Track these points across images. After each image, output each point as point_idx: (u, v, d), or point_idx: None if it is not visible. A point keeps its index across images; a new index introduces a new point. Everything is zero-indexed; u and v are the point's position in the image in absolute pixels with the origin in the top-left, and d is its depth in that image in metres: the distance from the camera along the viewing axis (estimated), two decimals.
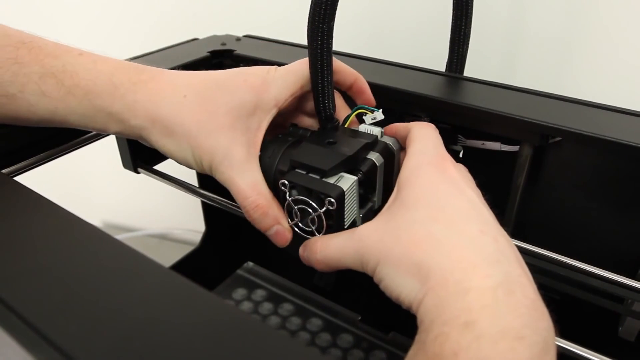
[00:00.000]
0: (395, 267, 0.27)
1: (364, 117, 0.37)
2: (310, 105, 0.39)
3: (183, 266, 0.66)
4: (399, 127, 0.35)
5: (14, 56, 0.33)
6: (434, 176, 0.29)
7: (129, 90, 0.34)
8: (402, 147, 0.36)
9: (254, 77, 0.36)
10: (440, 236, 0.27)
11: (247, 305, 0.67)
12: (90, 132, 0.45)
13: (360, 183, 0.33)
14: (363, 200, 0.34)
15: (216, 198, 0.43)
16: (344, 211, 0.31)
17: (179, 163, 0.36)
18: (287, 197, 0.32)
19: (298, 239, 0.34)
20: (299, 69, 0.36)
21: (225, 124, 0.34)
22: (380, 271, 0.28)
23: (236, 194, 0.34)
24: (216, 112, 0.34)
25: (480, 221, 0.28)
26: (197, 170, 0.35)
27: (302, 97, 0.38)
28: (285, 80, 0.36)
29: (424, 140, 0.32)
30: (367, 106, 0.37)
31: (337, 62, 0.37)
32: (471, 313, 0.23)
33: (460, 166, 0.33)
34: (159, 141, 0.34)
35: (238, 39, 0.58)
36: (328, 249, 0.31)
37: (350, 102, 0.39)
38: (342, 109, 0.38)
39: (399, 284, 0.27)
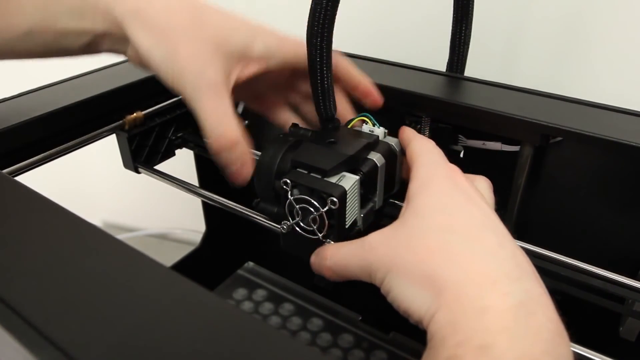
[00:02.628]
0: (406, 278, 0.25)
1: (364, 124, 0.37)
2: (302, 88, 0.37)
3: (183, 266, 0.66)
4: (401, 138, 0.35)
5: None
6: (447, 186, 0.28)
7: None
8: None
9: (254, 22, 0.34)
10: (456, 246, 0.25)
11: (247, 305, 0.67)
12: (90, 133, 0.45)
13: (362, 183, 0.33)
14: (364, 200, 0.34)
15: (216, 198, 0.43)
16: (345, 211, 0.31)
17: (149, 66, 0.33)
18: (289, 197, 0.32)
19: (298, 239, 0.34)
20: (299, 47, 0.34)
21: (211, 40, 0.32)
22: (389, 281, 0.26)
23: (205, 116, 0.31)
24: (206, 24, 0.32)
25: (497, 233, 0.26)
26: (163, 78, 0.33)
27: (297, 80, 0.36)
28: (283, 44, 0.34)
29: (431, 153, 0.31)
30: (372, 117, 0.37)
31: (343, 65, 0.36)
32: (488, 335, 0.22)
33: (482, 180, 0.32)
34: (137, 33, 0.32)
35: None
36: (337, 256, 0.29)
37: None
38: (347, 112, 0.38)
39: (408, 295, 0.25)
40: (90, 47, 0.35)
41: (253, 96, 0.39)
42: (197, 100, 0.31)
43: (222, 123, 0.31)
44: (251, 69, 0.34)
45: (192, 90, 0.31)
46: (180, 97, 0.51)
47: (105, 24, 0.33)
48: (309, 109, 0.39)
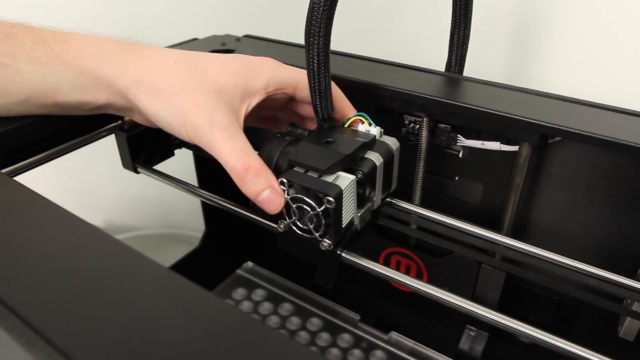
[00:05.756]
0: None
1: (360, 124, 0.37)
2: (305, 110, 0.39)
3: (183, 266, 0.66)
4: None
5: (8, 31, 0.34)
6: None
7: (117, 54, 0.35)
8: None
9: (249, 59, 0.37)
10: None
11: (246, 305, 0.67)
12: (90, 133, 0.45)
13: (360, 183, 0.33)
14: (362, 199, 0.34)
15: (216, 198, 0.43)
16: (341, 210, 0.31)
17: (161, 126, 0.35)
18: (285, 196, 0.32)
19: (295, 238, 0.34)
20: (298, 73, 0.37)
21: (212, 89, 0.34)
22: None
23: (226, 157, 0.33)
24: (205, 77, 0.35)
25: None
26: (177, 134, 0.35)
27: (296, 103, 0.38)
28: (280, 73, 0.37)
29: None
30: (367, 116, 0.37)
31: (338, 93, 0.38)
32: None
33: None
34: (143, 101, 0.34)
35: (238, 39, 0.58)
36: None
37: (354, 103, 0.39)
38: (346, 108, 0.39)
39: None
40: (92, 112, 0.38)
41: (259, 120, 0.43)
42: (214, 146, 0.33)
43: (241, 158, 0.33)
44: (254, 101, 0.36)
45: (206, 138, 0.33)
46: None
47: (108, 95, 0.35)
48: (312, 125, 0.41)
